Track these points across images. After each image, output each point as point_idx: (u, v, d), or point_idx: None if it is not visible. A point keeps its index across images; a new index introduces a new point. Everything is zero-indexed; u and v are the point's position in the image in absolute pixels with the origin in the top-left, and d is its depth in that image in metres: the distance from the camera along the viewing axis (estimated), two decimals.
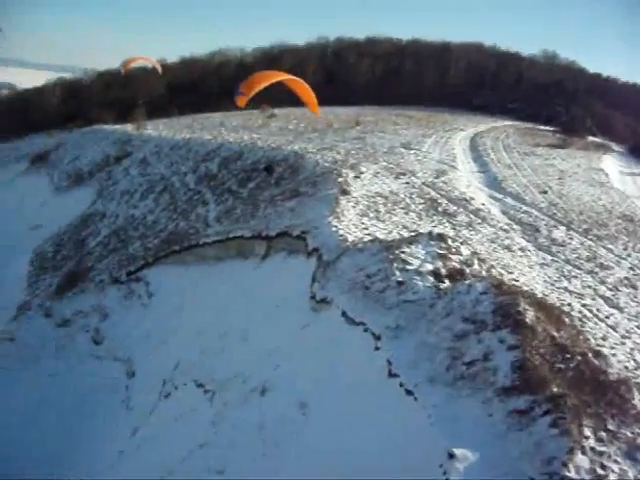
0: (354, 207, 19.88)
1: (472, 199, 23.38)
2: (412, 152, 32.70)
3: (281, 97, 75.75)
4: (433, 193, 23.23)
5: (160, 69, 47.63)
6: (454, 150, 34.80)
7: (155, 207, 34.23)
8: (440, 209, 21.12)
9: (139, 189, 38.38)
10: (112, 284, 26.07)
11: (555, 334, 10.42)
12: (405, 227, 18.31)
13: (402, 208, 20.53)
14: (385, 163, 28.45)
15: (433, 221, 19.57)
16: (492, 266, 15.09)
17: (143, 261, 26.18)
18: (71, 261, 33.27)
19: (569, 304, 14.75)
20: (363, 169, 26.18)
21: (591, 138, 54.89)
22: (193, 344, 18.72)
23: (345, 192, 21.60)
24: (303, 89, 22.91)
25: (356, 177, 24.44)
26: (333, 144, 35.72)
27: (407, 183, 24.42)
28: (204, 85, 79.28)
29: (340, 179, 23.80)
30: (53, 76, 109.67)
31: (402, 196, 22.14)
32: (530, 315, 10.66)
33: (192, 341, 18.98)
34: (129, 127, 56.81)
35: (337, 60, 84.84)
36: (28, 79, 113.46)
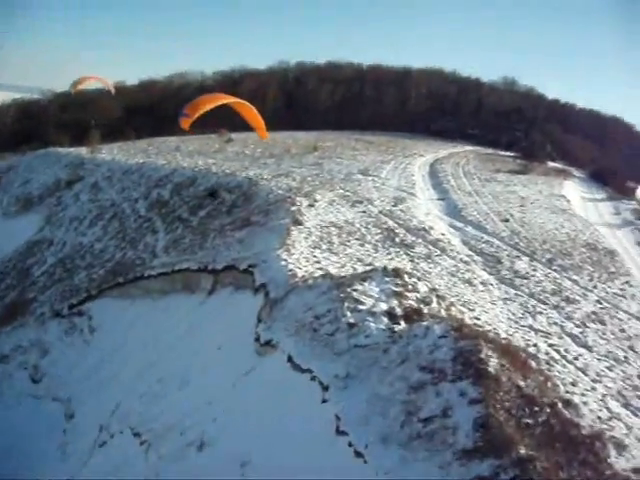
0: (306, 238, 18.78)
1: (431, 229, 22.39)
2: (370, 179, 31.79)
3: (240, 121, 74.94)
4: (390, 222, 22.22)
5: (113, 89, 46.32)
6: (413, 177, 33.98)
7: (103, 235, 32.79)
8: (397, 240, 20.08)
9: (88, 215, 36.86)
10: (53, 318, 24.86)
11: (521, 383, 9.38)
12: (360, 260, 17.23)
13: (357, 239, 19.47)
14: (341, 190, 27.47)
15: (390, 253, 18.52)
16: (452, 303, 14.03)
17: (86, 293, 24.93)
18: (14, 291, 31.65)
19: (535, 345, 13.69)
20: (318, 197, 25.16)
21: (551, 164, 54.86)
22: (133, 387, 17.46)
23: (297, 222, 20.51)
24: (251, 113, 22.37)
25: (310, 205, 23.40)
26: (289, 170, 34.72)
27: (364, 212, 23.42)
28: (162, 108, 77.62)
29: (293, 208, 22.74)
30: (10, 97, 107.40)
31: (358, 226, 21.10)
32: (493, 363, 9.63)
33: (132, 383, 17.73)
34: (83, 150, 55.24)
35: (298, 85, 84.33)
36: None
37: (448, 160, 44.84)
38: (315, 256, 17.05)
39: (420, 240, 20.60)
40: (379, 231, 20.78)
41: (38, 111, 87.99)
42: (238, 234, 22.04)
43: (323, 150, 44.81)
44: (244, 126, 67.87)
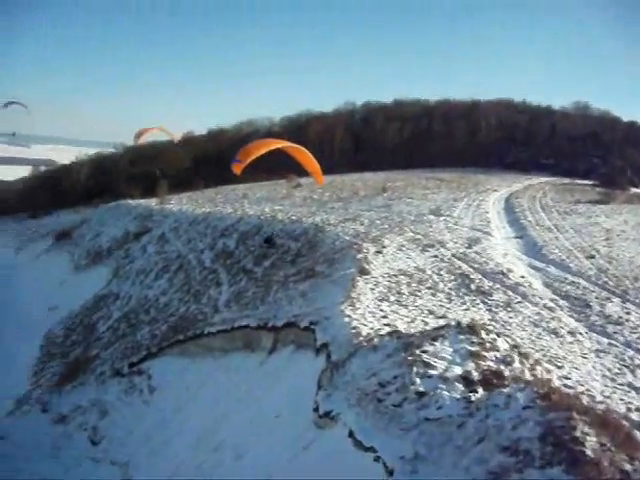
0: (373, 289, 17.40)
1: (510, 271, 20.47)
2: (442, 219, 30.25)
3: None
4: (465, 267, 20.55)
5: (175, 138, 46.57)
6: (488, 214, 32.16)
7: (169, 288, 32.48)
8: (473, 286, 18.39)
9: (155, 268, 36.75)
10: (114, 376, 24.40)
11: (627, 467, 7.65)
12: (431, 312, 15.72)
13: (429, 288, 17.94)
14: (412, 234, 26.05)
15: (465, 302, 16.88)
16: (537, 361, 12.31)
17: (146, 351, 24.36)
18: (79, 347, 31.66)
19: (638, 408, 11.82)
20: (386, 242, 23.83)
21: (634, 190, 51.86)
22: (190, 454, 16.36)
23: (364, 271, 19.18)
24: (306, 158, 21.79)
25: (378, 252, 22.05)
26: (357, 214, 33.60)
27: (435, 256, 21.84)
28: (230, 156, 78.39)
29: (360, 255, 21.45)
30: (86, 151, 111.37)
31: (429, 273, 19.58)
32: (591, 442, 7.87)
33: (189, 450, 16.62)
34: (153, 202, 55.82)
35: (365, 125, 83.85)
36: (69, 156, 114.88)
37: (523, 193, 42.76)
38: (382, 310, 15.65)
39: (498, 285, 18.81)
40: (453, 277, 19.17)
41: (110, 165, 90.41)
42: (301, 286, 20.86)
43: (392, 190, 43.54)
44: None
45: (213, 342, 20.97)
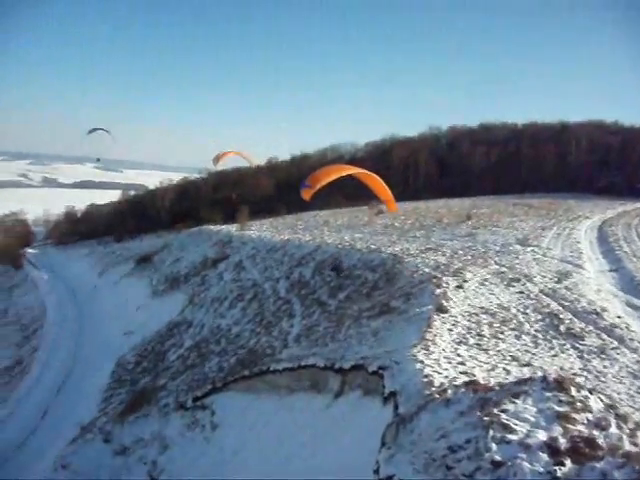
0: (450, 330, 15.94)
1: (604, 310, 18.40)
2: (529, 249, 28.27)
3: (395, 191, 73.44)
4: (554, 305, 18.68)
5: (254, 163, 46.50)
6: (579, 244, 29.85)
7: (242, 317, 32.04)
8: (562, 328, 16.54)
9: (230, 296, 36.48)
10: (177, 409, 23.66)
11: None
12: (515, 359, 14.11)
13: (513, 329, 16.28)
14: (496, 266, 24.35)
15: (553, 347, 15.12)
16: (638, 426, 10.64)
17: (211, 385, 23.54)
18: (148, 375, 31.62)
19: None
20: (468, 275, 22.28)
21: None
22: None
23: (442, 309, 17.74)
24: (377, 185, 21.41)
25: (458, 287, 20.55)
26: (439, 243, 32.10)
27: (521, 292, 20.05)
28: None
29: (439, 291, 20.01)
30: (174, 176, 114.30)
31: (514, 311, 17.88)
32: None
33: None
34: (233, 228, 55.88)
35: (450, 149, 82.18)
36: (159, 181, 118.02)
37: (618, 221, 39.93)
38: (459, 354, 14.17)
39: (591, 327, 16.87)
40: (540, 317, 17.38)
41: (193, 191, 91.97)
42: (374, 323, 19.60)
43: (477, 218, 41.67)
44: (398, 196, 66.77)
45: (279, 380, 19.94)
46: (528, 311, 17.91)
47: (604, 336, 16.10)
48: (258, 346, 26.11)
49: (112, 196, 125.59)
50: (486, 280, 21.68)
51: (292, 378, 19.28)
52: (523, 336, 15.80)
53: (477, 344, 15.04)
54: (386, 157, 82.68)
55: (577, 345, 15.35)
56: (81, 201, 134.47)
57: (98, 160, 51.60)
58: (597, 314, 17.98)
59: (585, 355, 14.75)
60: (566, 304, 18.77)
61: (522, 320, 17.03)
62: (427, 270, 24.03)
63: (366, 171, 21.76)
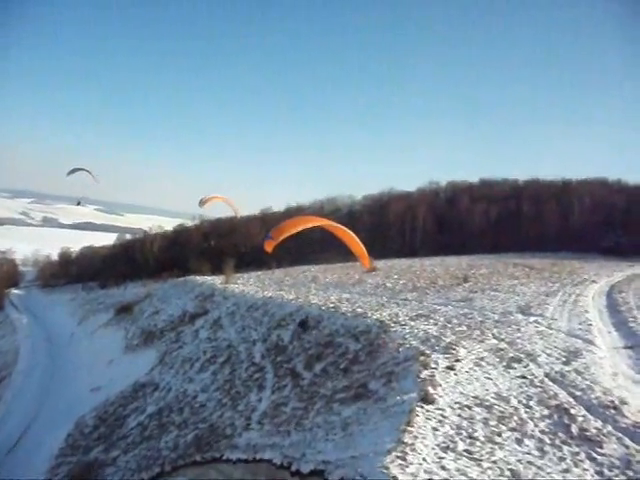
0: (435, 430, 12.77)
1: (624, 403, 14.90)
2: (532, 320, 25.07)
3: (390, 246, 70.60)
4: (562, 395, 15.35)
5: (238, 212, 44.29)
6: (587, 314, 26.50)
7: (210, 384, 29.15)
8: (574, 429, 13.20)
9: (202, 357, 33.64)
10: None
11: None
12: (515, 474, 11.00)
13: (513, 429, 13.07)
14: (494, 340, 21.16)
15: (563, 457, 11.82)
16: None
17: (159, 468, 20.70)
18: (102, 444, 28.67)
19: None
20: (462, 352, 19.16)
21: None
22: None
23: (427, 399, 14.59)
24: (349, 239, 20.14)
25: (449, 368, 17.40)
26: (432, 309, 29.06)
27: (523, 377, 16.75)
28: (306, 235, 75.80)
29: (425, 373, 16.88)
30: (162, 221, 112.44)
31: (515, 403, 14.64)
32: None
33: None
34: (218, 280, 53.05)
35: (449, 205, 79.85)
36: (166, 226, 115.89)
37: (628, 285, 36.63)
38: (444, 468, 11.03)
39: (609, 427, 13.49)
40: (546, 412, 14.05)
41: (184, 238, 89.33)
42: (346, 411, 16.46)
43: (475, 280, 38.64)
44: (394, 253, 63.63)
45: (233, 471, 16.94)
46: (532, 403, 14.65)
47: (627, 441, 12.77)
48: (220, 422, 23.05)
49: (111, 239, 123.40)
50: (482, 359, 18.50)
51: (247, 471, 16.32)
52: (526, 440, 12.59)
53: (468, 451, 11.89)
54: (383, 211, 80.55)
55: (594, 455, 12.08)
56: (79, 243, 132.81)
57: (79, 203, 49.13)
58: (615, 408, 14.64)
59: (605, 471, 11.52)
60: (577, 394, 15.49)
61: (524, 417, 13.81)
62: (415, 343, 20.92)
63: (334, 224, 20.44)
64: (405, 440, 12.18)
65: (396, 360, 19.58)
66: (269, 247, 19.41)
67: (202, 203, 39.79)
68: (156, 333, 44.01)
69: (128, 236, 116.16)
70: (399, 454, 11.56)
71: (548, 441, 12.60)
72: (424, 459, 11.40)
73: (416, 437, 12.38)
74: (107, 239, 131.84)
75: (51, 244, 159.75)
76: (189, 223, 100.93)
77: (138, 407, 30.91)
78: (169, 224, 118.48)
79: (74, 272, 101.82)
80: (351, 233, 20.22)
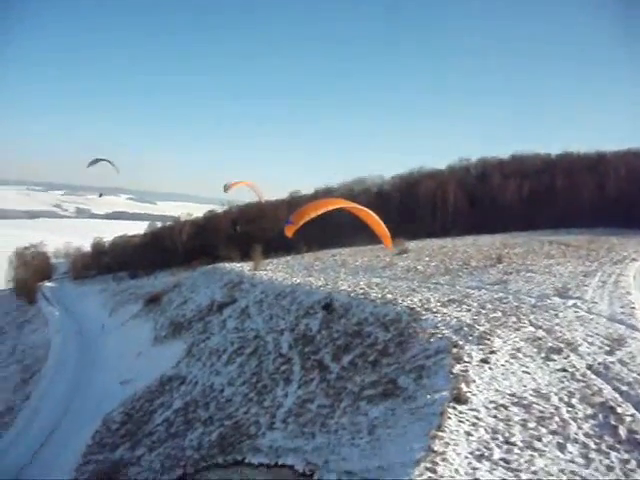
0: (469, 435, 11.73)
1: None
2: (570, 303, 23.75)
3: (419, 227, 69.16)
4: (607, 390, 14.12)
5: (262, 197, 43.45)
6: (630, 296, 24.93)
7: (237, 377, 28.40)
8: (622, 430, 11.99)
9: (229, 349, 32.90)
10: None
11: None
12: None
13: (554, 432, 11.95)
14: (532, 328, 19.95)
15: (611, 466, 10.65)
16: None
17: (182, 470, 20.30)
18: (129, 442, 28.05)
19: None
20: (497, 343, 18.03)
21: None
22: None
23: (460, 398, 13.55)
24: (371, 219, 19.42)
25: (483, 361, 16.31)
26: (465, 293, 27.91)
27: (564, 370, 15.54)
28: (336, 217, 74.31)
29: (458, 368, 15.81)
30: (193, 207, 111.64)
31: (555, 401, 13.50)
32: None
33: None
34: (247, 267, 52.03)
35: (480, 182, 77.94)
36: (194, 213, 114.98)
37: None
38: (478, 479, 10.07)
39: None
40: (590, 411, 12.87)
41: (212, 225, 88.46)
42: (374, 411, 15.51)
43: (509, 260, 37.21)
44: (425, 232, 62.09)
45: (256, 475, 16.13)
46: (574, 401, 13.49)
47: None
48: (245, 419, 22.36)
49: (143, 228, 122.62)
50: (519, 350, 17.35)
51: (270, 475, 15.48)
52: (568, 445, 11.48)
53: (505, 460, 10.84)
54: (413, 190, 78.99)
55: None
56: (111, 233, 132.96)
57: (101, 195, 48.66)
58: None
59: None
60: (624, 389, 14.24)
61: (566, 417, 12.68)
62: (447, 333, 19.85)
63: (356, 205, 19.51)
64: (435, 448, 11.18)
65: (427, 352, 18.55)
66: (289, 232, 18.68)
67: (226, 188, 38.98)
68: (184, 324, 43.40)
69: (159, 224, 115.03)
70: (429, 465, 10.56)
71: (593, 446, 11.47)
72: (456, 470, 10.39)
73: (448, 444, 11.38)
74: (139, 228, 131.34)
75: (84, 235, 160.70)
76: (219, 209, 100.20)
77: (164, 402, 30.35)
78: (200, 210, 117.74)
79: (106, 263, 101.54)
80: (373, 214, 19.41)
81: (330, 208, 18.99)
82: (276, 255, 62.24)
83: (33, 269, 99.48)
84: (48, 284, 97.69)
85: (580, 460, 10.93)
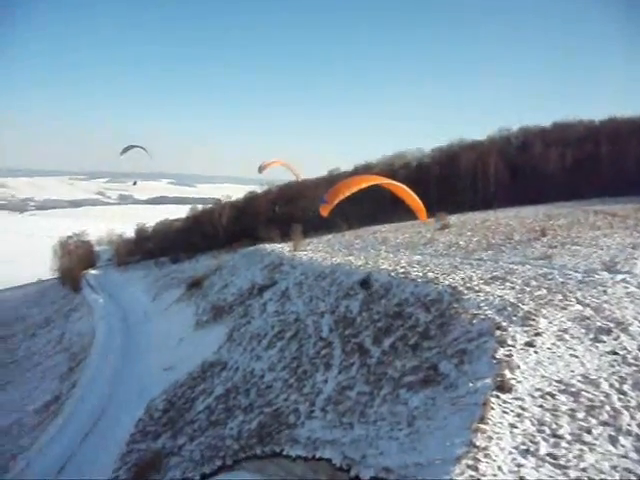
0: (513, 428, 11.13)
1: None
2: (619, 279, 22.66)
3: (463, 199, 67.85)
4: None
5: (299, 175, 42.90)
6: None
7: (278, 362, 28.13)
8: None
9: (270, 333, 32.55)
10: None
11: None
12: None
13: (605, 423, 11.25)
14: (579, 306, 19.05)
15: None
16: None
17: (221, 461, 20.27)
18: (170, 430, 28.19)
19: None
20: (542, 324, 17.26)
21: None
22: None
23: (503, 387, 12.93)
24: (405, 194, 19.64)
25: (528, 345, 15.59)
26: (508, 269, 27.02)
27: (614, 353, 14.67)
28: (378, 193, 73.51)
29: (501, 352, 15.13)
30: (235, 188, 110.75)
31: (606, 388, 12.77)
32: None
33: None
34: (287, 248, 51.46)
35: (522, 152, 75.83)
36: (234, 194, 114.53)
37: None
38: (523, 477, 9.49)
39: None
40: None
41: (252, 206, 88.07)
42: (413, 400, 15.00)
43: (554, 233, 36.01)
44: (467, 206, 60.66)
45: (294, 467, 15.90)
46: (626, 387, 12.74)
47: None
48: (284, 406, 22.16)
49: (184, 212, 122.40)
50: (566, 331, 16.56)
51: (308, 468, 15.20)
52: (621, 438, 10.79)
53: (552, 455, 10.24)
54: (453, 163, 77.35)
55: None
56: (154, 217, 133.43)
57: (135, 183, 48.79)
58: None
59: None
60: None
61: (618, 405, 11.96)
62: (490, 313, 19.13)
63: (389, 180, 19.87)
64: (477, 443, 10.63)
65: (469, 335, 17.89)
66: (325, 211, 19.08)
67: (261, 169, 38.59)
68: (225, 308, 43.30)
69: (200, 207, 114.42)
70: (470, 462, 10.04)
71: None
72: (499, 468, 9.83)
73: (490, 438, 10.81)
74: (181, 212, 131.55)
75: (127, 221, 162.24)
76: (259, 190, 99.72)
77: (206, 389, 30.31)
78: (241, 192, 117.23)
79: (149, 248, 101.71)
80: (406, 188, 19.57)
81: (363, 186, 19.16)
82: (316, 234, 61.59)
83: (77, 258, 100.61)
84: (92, 272, 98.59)
85: (634, 455, 10.25)
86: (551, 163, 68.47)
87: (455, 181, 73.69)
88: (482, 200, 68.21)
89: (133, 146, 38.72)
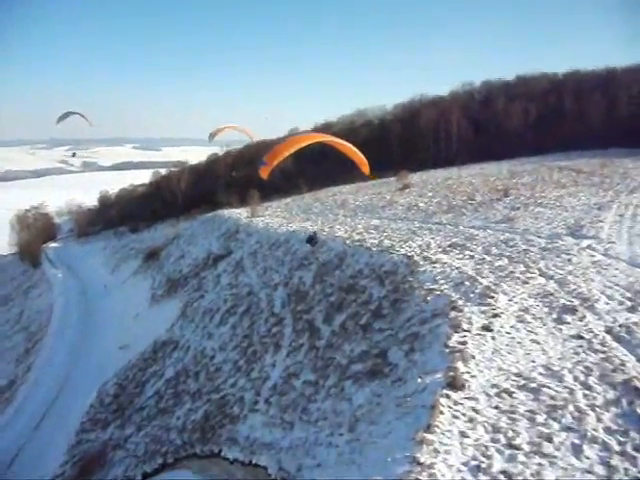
0: (464, 437, 9.63)
1: None
2: (585, 245, 21.20)
3: (425, 157, 66.21)
4: (631, 363, 11.58)
5: (253, 137, 41.25)
6: None
7: (229, 341, 26.85)
8: None
9: (222, 307, 31.15)
10: None
11: None
12: None
13: (568, 429, 9.60)
14: (542, 279, 17.55)
15: None
16: None
17: (162, 459, 19.65)
18: (119, 418, 26.93)
19: None
20: (501, 301, 15.80)
21: None
22: None
23: (455, 383, 11.42)
24: (346, 149, 19.43)
25: (485, 328, 14.11)
26: (468, 235, 25.63)
27: (579, 337, 13.17)
28: (339, 152, 71.07)
29: (455, 338, 13.64)
30: (198, 150, 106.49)
31: (569, 381, 11.25)
32: None
33: None
34: (245, 213, 49.48)
35: (485, 107, 74.42)
36: (200, 157, 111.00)
37: None
38: None
39: None
40: (611, 395, 10.54)
41: (212, 170, 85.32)
42: (358, 397, 13.56)
43: (517, 193, 34.56)
44: (429, 163, 59.19)
45: (234, 470, 14.51)
46: (591, 381, 11.21)
47: None
48: (230, 395, 20.81)
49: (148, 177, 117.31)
50: (527, 310, 15.05)
51: (247, 472, 13.80)
52: (585, 447, 9.24)
53: (506, 473, 8.75)
54: (415, 120, 75.64)
55: None
56: (119, 183, 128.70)
57: (74, 155, 46.21)
58: None
59: None
60: None
61: (583, 404, 10.43)
62: (446, 289, 17.67)
63: (329, 137, 20.00)
64: (422, 460, 9.10)
65: (423, 315, 16.37)
66: (264, 174, 18.38)
67: (212, 137, 36.49)
68: (180, 281, 41.52)
69: (162, 172, 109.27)
70: (421, 471, 8.53)
71: (616, 447, 9.23)
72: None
73: (437, 452, 9.31)
74: (145, 177, 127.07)
75: (91, 189, 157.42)
76: (220, 153, 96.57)
77: (157, 371, 28.97)
78: (205, 154, 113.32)
79: (111, 216, 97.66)
80: (346, 143, 19.46)
81: (303, 144, 18.76)
82: (277, 197, 59.80)
83: (36, 231, 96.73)
84: (52, 245, 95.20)
85: (600, 469, 8.74)
86: (515, 118, 67.23)
87: (417, 138, 72.06)
88: (445, 157, 66.80)
89: (71, 113, 36.34)
